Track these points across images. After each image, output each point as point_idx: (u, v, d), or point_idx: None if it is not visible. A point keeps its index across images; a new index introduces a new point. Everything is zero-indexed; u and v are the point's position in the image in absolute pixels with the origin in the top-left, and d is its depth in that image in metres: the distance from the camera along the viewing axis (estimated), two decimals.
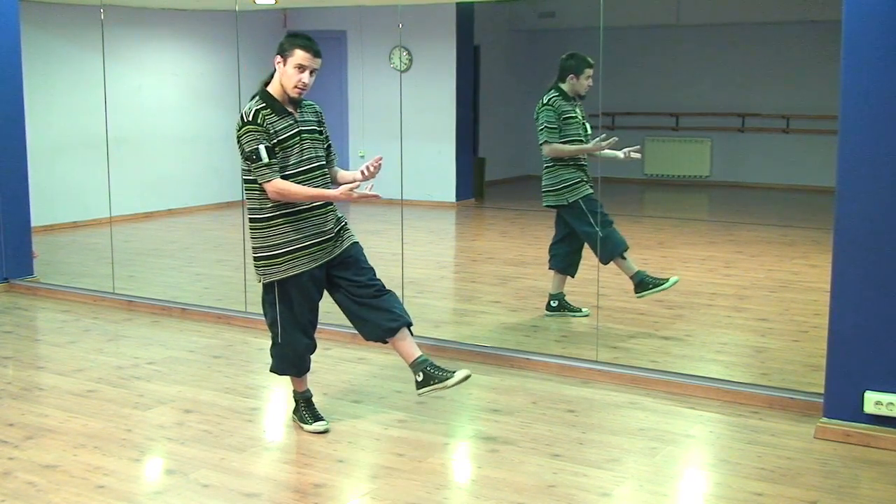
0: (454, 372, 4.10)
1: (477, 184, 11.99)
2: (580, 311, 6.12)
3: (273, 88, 4.08)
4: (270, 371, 4.34)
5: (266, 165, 3.98)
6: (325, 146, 4.25)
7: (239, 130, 4.03)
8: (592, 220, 5.83)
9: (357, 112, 12.27)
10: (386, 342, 4.24)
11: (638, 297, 5.91)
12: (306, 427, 4.26)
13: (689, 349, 5.56)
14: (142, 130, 10.72)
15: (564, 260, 6.07)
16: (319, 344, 4.44)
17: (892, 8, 3.89)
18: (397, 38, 11.39)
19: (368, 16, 11.94)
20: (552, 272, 6.15)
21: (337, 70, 12.30)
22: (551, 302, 6.14)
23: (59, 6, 9.70)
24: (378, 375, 5.10)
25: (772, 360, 5.26)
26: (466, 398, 4.77)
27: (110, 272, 7.12)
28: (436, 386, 4.11)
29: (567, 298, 6.15)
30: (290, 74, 4.03)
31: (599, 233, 5.79)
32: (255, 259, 4.16)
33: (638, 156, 6.02)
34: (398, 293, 6.13)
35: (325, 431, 4.24)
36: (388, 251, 8.21)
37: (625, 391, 4.80)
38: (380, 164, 4.18)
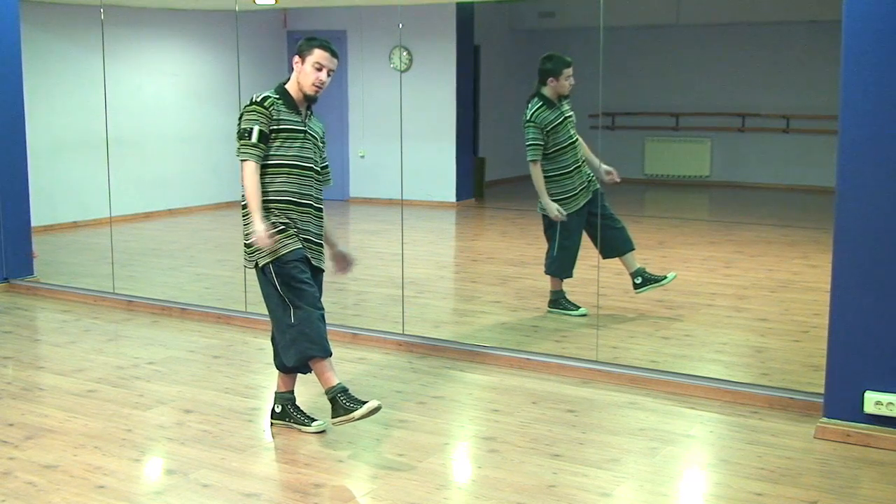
0: (364, 403, 3.97)
1: (477, 184, 11.97)
2: (578, 308, 6.13)
3: (290, 86, 4.14)
4: (290, 366, 4.13)
5: (253, 145, 3.99)
6: (322, 160, 4.23)
7: (244, 108, 4.06)
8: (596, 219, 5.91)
9: (357, 112, 12.25)
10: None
11: (637, 293, 6.10)
12: (305, 429, 4.24)
13: (689, 349, 5.56)
14: (142, 130, 10.71)
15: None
16: None
17: (892, 8, 3.89)
18: (397, 38, 11.38)
19: (368, 16, 11.93)
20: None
21: (337, 70, 12.26)
22: (553, 300, 6.19)
23: (59, 6, 9.70)
24: (378, 375, 5.10)
25: (772, 360, 5.26)
26: (466, 398, 4.77)
27: (110, 272, 7.11)
28: (343, 418, 3.98)
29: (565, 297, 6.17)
30: (307, 73, 4.10)
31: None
32: (247, 246, 4.10)
33: (617, 180, 6.03)
34: (398, 293, 6.18)
35: (324, 431, 4.25)
36: (388, 251, 8.21)
37: (625, 391, 4.80)
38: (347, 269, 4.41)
